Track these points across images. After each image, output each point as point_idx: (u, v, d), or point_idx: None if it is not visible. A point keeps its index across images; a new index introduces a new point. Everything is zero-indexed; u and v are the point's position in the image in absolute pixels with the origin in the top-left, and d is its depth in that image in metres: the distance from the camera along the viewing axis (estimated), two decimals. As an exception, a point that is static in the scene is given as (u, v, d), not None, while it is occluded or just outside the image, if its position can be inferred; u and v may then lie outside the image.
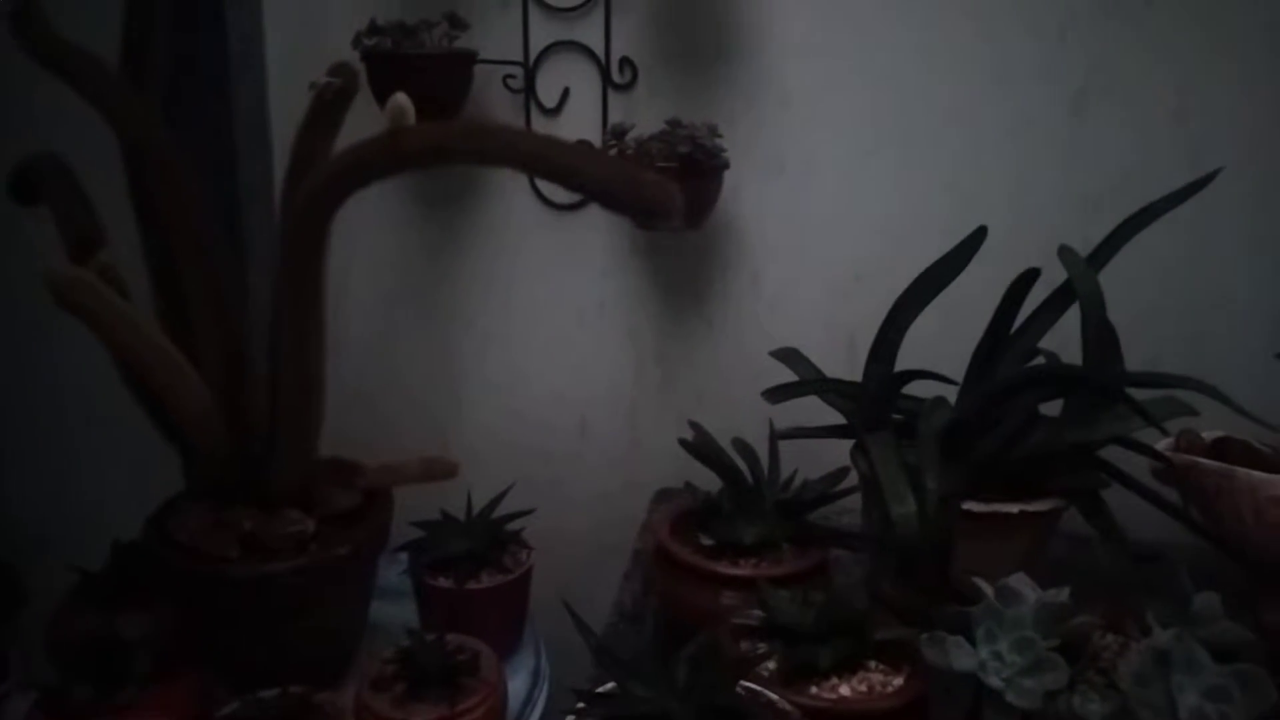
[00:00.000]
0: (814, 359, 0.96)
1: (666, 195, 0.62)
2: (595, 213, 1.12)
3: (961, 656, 0.63)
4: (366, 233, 1.16)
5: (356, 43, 0.96)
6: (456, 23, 0.98)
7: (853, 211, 1.07)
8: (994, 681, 0.62)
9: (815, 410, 0.91)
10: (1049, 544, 0.86)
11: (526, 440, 1.20)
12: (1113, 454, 0.84)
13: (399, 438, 1.21)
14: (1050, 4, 0.98)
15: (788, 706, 0.60)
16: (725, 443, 0.93)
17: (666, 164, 0.93)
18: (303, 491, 0.78)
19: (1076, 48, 0.98)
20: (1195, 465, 0.89)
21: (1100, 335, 0.81)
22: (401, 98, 0.66)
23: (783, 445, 0.93)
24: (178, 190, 0.70)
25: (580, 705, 0.57)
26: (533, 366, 1.18)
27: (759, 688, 0.61)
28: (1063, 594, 0.68)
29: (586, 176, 0.61)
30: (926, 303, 0.84)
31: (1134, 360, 1.01)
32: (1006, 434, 0.81)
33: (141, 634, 0.74)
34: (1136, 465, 0.87)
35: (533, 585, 0.96)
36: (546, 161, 0.62)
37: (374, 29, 0.95)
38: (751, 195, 1.09)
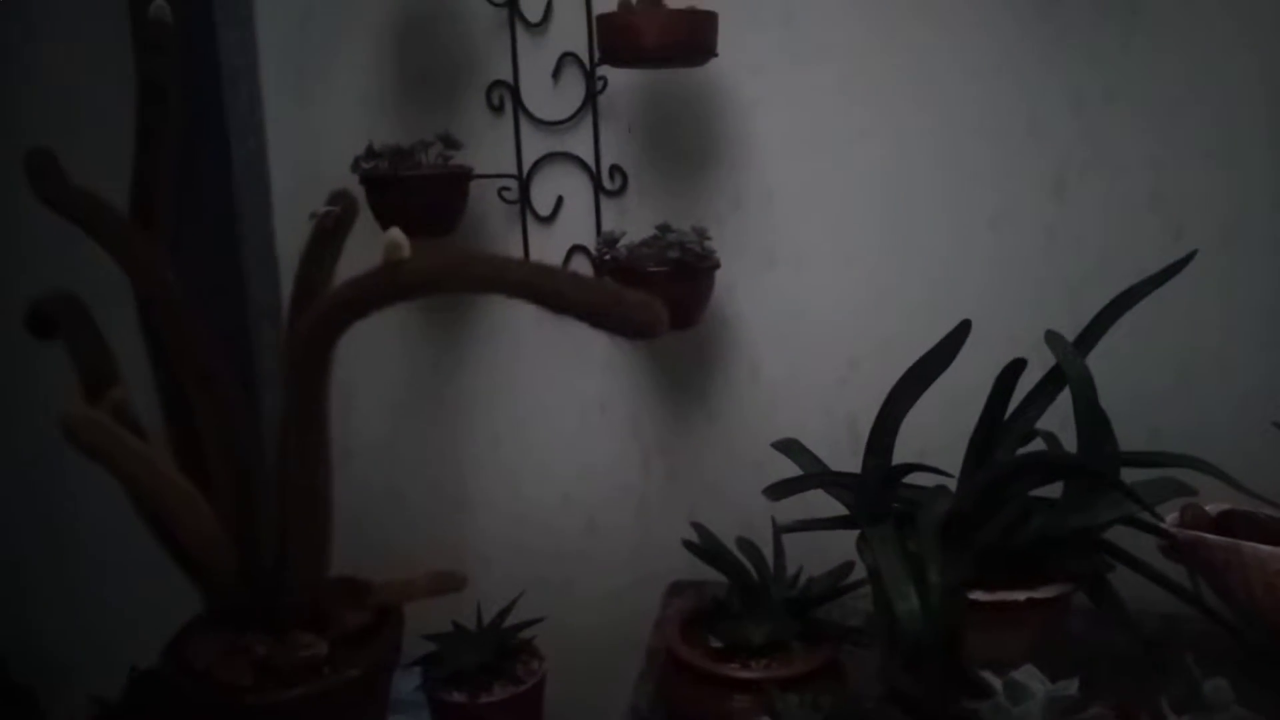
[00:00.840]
0: (816, 446, 0.97)
1: (652, 313, 0.64)
2: (594, 314, 1.14)
3: (974, 760, 0.63)
4: (372, 341, 1.19)
5: (355, 167, 1.00)
6: (450, 142, 1.02)
7: (845, 300, 1.09)
8: (1006, 784, 0.62)
9: (820, 499, 0.92)
10: (1062, 625, 0.86)
11: (536, 542, 1.21)
12: (1120, 530, 0.85)
13: (409, 545, 1.22)
14: (1016, 104, 1.01)
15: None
16: (733, 535, 0.94)
17: (658, 268, 0.96)
18: (315, 612, 0.79)
19: (1048, 141, 1.01)
20: (1201, 541, 0.89)
21: (1092, 419, 0.82)
22: (396, 232, 0.68)
23: (790, 537, 0.94)
24: (183, 329, 0.73)
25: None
26: (539, 467, 1.20)
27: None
28: (1072, 686, 0.67)
29: (573, 301, 0.64)
30: (918, 395, 0.85)
31: (1137, 433, 1.03)
32: (1007, 522, 0.81)
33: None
34: (1144, 541, 0.88)
35: (548, 686, 0.96)
36: (534, 288, 0.65)
37: (371, 153, 0.99)
38: (746, 290, 1.11)
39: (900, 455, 0.89)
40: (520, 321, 1.16)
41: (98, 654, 1.01)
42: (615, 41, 0.94)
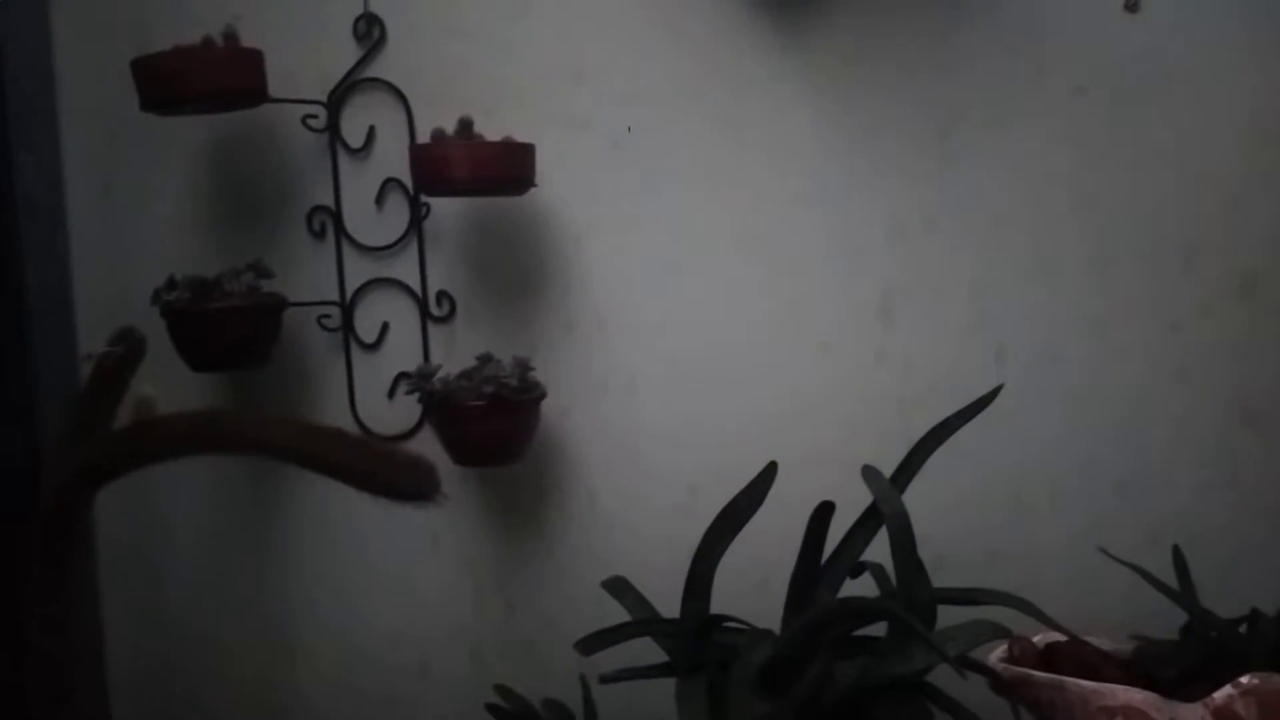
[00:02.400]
0: (658, 578, 0.93)
1: (421, 477, 0.60)
2: (423, 443, 1.09)
3: None
4: (189, 469, 1.12)
5: (155, 299, 0.95)
6: (261, 270, 0.98)
7: (681, 427, 1.07)
8: None
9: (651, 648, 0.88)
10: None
11: (367, 685, 1.14)
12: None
13: (228, 692, 1.14)
14: (838, 231, 1.02)
15: None
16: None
17: (476, 402, 0.92)
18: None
19: (872, 267, 1.02)
20: (1026, 678, 0.88)
21: (906, 560, 0.80)
22: (145, 391, 0.63)
23: (621, 687, 0.89)
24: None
25: None
26: (369, 607, 1.13)
27: None
28: None
29: (338, 466, 0.59)
30: (730, 539, 0.83)
31: (974, 557, 1.03)
32: (823, 671, 0.78)
33: None
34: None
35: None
36: (297, 452, 0.61)
37: (171, 284, 0.94)
38: (581, 416, 1.08)
39: (734, 590, 0.86)
40: (350, 451, 1.11)
41: None
42: (429, 172, 0.92)
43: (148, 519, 1.13)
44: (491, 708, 0.82)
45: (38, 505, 0.71)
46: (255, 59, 0.91)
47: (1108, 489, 1.01)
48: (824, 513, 0.80)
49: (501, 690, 0.85)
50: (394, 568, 1.12)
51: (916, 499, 0.98)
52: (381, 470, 0.59)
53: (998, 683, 0.88)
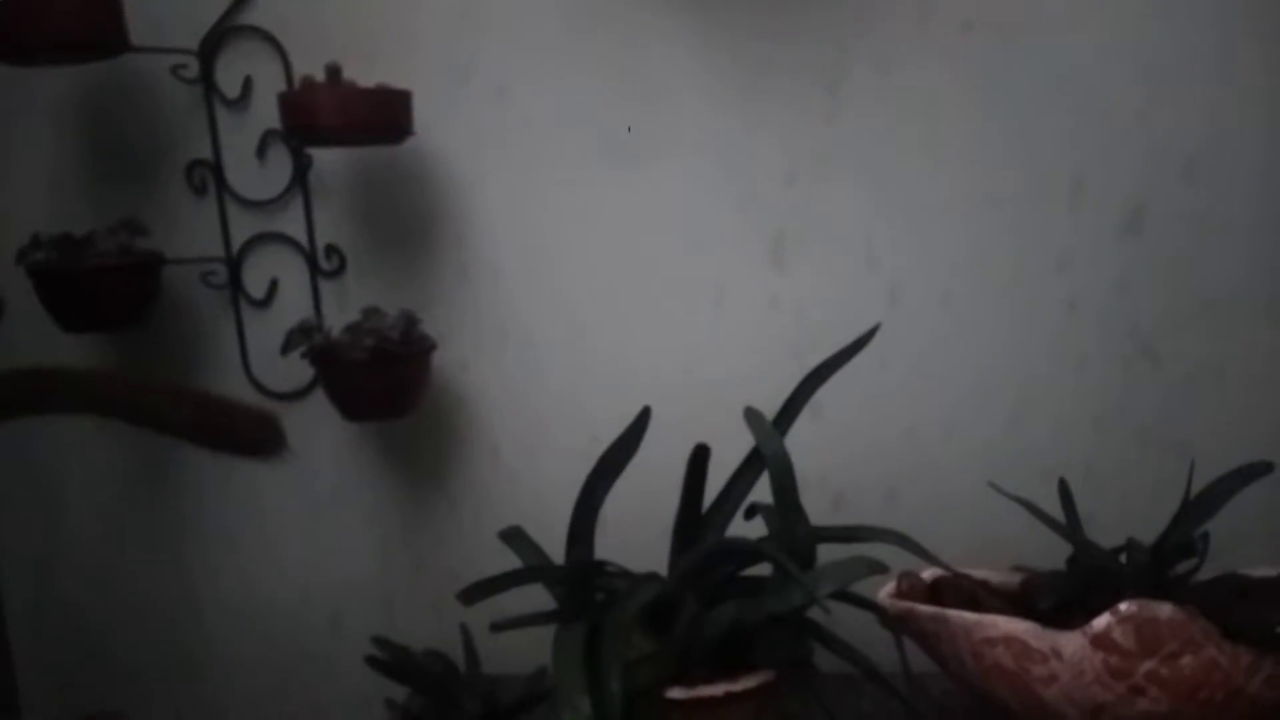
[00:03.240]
0: (561, 529, 0.93)
1: (263, 431, 0.59)
2: (318, 400, 1.08)
3: None
4: (79, 443, 1.10)
5: (20, 258, 0.92)
6: (135, 228, 0.95)
7: (581, 376, 1.06)
8: None
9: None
10: (775, 715, 0.83)
11: (278, 639, 1.13)
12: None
13: (137, 664, 1.13)
14: (736, 176, 1.01)
15: None
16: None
17: (359, 356, 0.91)
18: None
19: (764, 212, 1.01)
20: (911, 612, 0.89)
21: (786, 501, 0.80)
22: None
23: (507, 639, 0.89)
24: None
25: None
26: (274, 563, 1.12)
27: None
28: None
29: (173, 419, 0.58)
30: (610, 484, 0.82)
31: (873, 498, 1.04)
32: (699, 616, 0.79)
33: None
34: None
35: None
36: (128, 409, 0.59)
37: (36, 243, 0.91)
38: (480, 368, 1.07)
39: (633, 539, 0.86)
40: (246, 410, 1.09)
41: None
42: (297, 120, 0.89)
43: (35, 485, 1.11)
44: (370, 660, 0.81)
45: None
46: (112, 4, 0.87)
47: (1001, 424, 1.02)
48: (700, 456, 0.79)
49: (379, 641, 0.84)
50: (296, 527, 1.11)
51: (815, 440, 0.99)
52: (223, 425, 0.57)
53: (884, 617, 0.89)
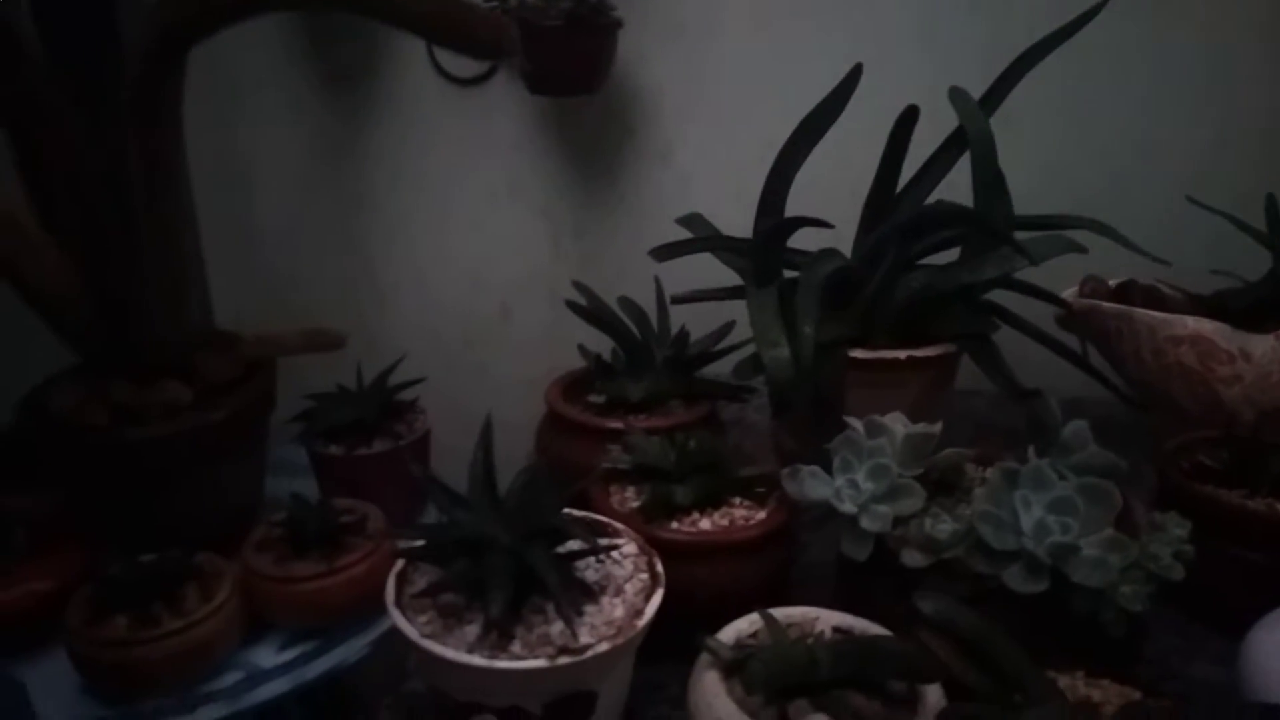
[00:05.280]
0: (723, 228, 0.94)
1: (497, 28, 0.60)
2: (498, 87, 1.09)
3: (817, 486, 0.63)
4: (268, 119, 1.13)
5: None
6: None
7: (761, 72, 1.04)
8: (847, 508, 0.62)
9: (721, 277, 0.89)
10: (945, 393, 0.85)
11: (449, 328, 1.19)
12: (1018, 304, 0.83)
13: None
14: None
15: (635, 535, 0.60)
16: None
17: (553, 22, 0.90)
18: (180, 364, 0.77)
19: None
20: (1095, 308, 0.88)
21: (988, 179, 0.79)
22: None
23: (687, 311, 0.92)
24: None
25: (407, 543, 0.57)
26: (448, 251, 1.17)
27: (610, 520, 0.61)
28: (934, 428, 0.67)
29: (408, 13, 0.59)
30: (809, 150, 0.81)
31: (1060, 204, 1.00)
32: (893, 279, 0.79)
33: (20, 508, 0.74)
34: (1040, 311, 0.86)
35: (450, 457, 0.95)
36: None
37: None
38: (656, 61, 1.06)
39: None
40: (423, 101, 1.11)
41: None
42: None
43: (228, 159, 1.15)
44: (569, 304, 0.85)
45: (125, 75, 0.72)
46: None
47: (1203, 145, 0.97)
48: (909, 117, 0.78)
49: (578, 285, 0.88)
50: (471, 213, 1.15)
51: (1005, 149, 0.96)
52: (454, 17, 0.58)
53: (1067, 312, 0.89)
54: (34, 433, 0.74)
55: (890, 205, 0.84)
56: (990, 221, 0.76)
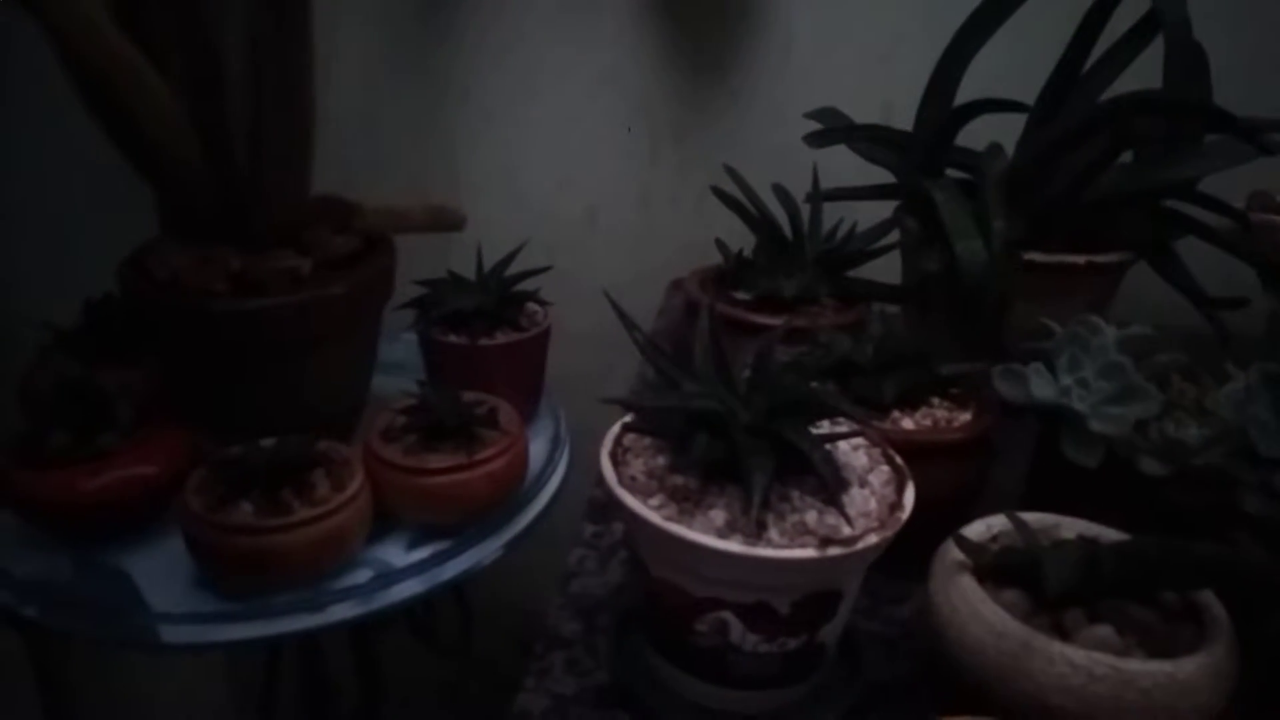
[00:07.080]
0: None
1: None
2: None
3: (1042, 385, 0.57)
4: (349, 6, 1.04)
5: None
6: None
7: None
8: (1079, 407, 0.55)
9: (851, 178, 0.82)
10: (1110, 306, 0.80)
11: (531, 230, 1.11)
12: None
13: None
14: None
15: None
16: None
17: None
18: (294, 234, 0.70)
19: None
20: (1270, 222, 0.82)
21: (1185, 61, 0.72)
22: None
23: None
24: None
25: (628, 418, 0.50)
26: (536, 147, 1.08)
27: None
28: (1147, 328, 0.61)
29: None
30: (992, 30, 0.74)
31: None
32: (1071, 180, 0.73)
33: (122, 383, 0.66)
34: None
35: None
36: None
37: None
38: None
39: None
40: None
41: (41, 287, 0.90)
42: None
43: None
44: (715, 189, 0.78)
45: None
46: None
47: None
48: (1102, 6, 0.71)
49: (729, 170, 0.81)
50: (564, 107, 1.06)
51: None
52: None
53: (1242, 224, 0.83)
54: (135, 295, 0.66)
55: (1068, 99, 0.77)
56: (1204, 109, 0.69)
